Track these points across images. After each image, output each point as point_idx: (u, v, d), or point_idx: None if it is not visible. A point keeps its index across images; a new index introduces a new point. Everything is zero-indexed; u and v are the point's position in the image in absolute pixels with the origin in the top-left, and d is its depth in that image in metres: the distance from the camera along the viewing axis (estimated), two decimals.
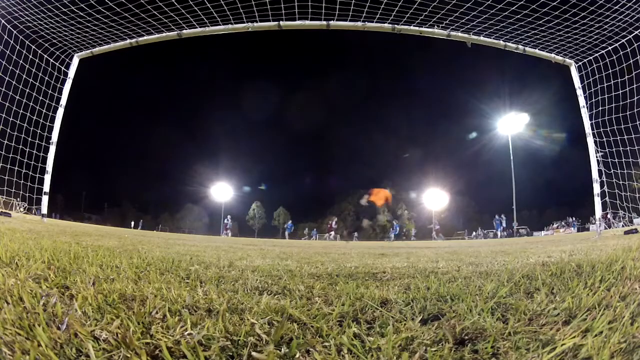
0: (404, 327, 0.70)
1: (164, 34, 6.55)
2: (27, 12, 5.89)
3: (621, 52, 5.84)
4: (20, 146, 6.42)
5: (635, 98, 5.59)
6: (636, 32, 5.61)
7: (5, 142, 6.21)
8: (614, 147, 6.02)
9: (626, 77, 5.77)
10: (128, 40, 6.77)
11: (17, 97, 6.29)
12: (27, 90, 6.45)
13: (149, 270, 1.36)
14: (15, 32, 6.22)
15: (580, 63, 6.58)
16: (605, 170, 6.22)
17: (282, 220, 60.48)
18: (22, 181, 6.65)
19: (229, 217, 25.62)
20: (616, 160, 6.04)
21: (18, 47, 6.27)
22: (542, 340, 0.61)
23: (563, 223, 30.42)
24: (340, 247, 5.67)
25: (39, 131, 6.68)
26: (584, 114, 6.52)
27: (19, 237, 2.24)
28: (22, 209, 8.48)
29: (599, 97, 6.16)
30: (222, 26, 6.30)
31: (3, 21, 6.04)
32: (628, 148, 5.84)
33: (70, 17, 5.93)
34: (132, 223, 31.43)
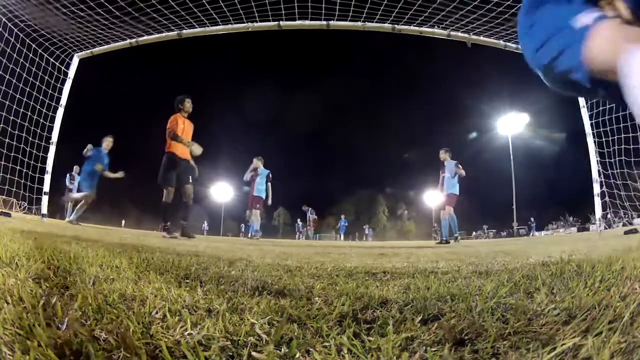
0: (404, 327, 0.70)
1: (164, 34, 6.55)
2: (27, 12, 5.90)
3: None
4: (22, 145, 6.43)
5: None
6: None
7: (7, 140, 6.22)
8: (613, 146, 6.03)
9: None
10: (128, 40, 6.77)
11: (17, 96, 6.29)
12: (27, 89, 6.45)
13: (149, 270, 1.36)
14: (16, 30, 6.21)
15: None
16: (605, 170, 6.22)
17: (282, 220, 60.56)
18: (22, 181, 6.66)
19: None
20: (616, 160, 6.04)
21: (19, 46, 6.27)
22: (542, 340, 0.61)
23: (562, 223, 30.45)
24: (341, 247, 5.66)
25: (39, 131, 6.68)
26: (584, 114, 6.52)
27: (19, 237, 2.23)
28: (21, 209, 8.47)
29: None
30: (222, 26, 6.31)
31: (4, 19, 6.03)
32: (629, 147, 5.85)
33: (70, 17, 5.93)
34: (123, 222, 31.16)
